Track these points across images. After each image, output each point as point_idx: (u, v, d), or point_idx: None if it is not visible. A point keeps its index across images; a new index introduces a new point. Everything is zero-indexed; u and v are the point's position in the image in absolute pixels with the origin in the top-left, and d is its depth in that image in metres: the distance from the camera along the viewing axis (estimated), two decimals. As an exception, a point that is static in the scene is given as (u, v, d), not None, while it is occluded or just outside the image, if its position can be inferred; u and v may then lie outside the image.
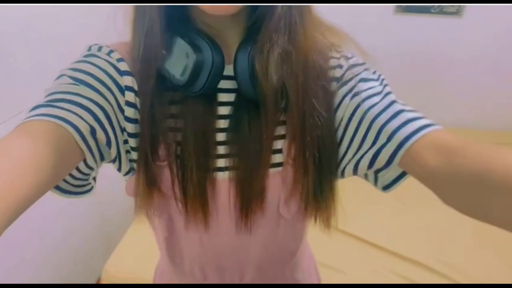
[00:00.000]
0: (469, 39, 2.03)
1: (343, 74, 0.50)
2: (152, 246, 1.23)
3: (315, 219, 0.55)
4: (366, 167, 0.48)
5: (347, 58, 0.51)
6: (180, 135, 0.48)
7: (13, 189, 0.33)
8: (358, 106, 0.47)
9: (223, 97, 0.50)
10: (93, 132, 0.43)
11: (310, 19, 0.46)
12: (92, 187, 0.53)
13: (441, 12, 1.97)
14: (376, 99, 0.47)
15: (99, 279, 1.82)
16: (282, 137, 0.50)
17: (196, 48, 0.44)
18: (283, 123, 0.50)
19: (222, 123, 0.50)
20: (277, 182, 0.52)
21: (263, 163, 0.50)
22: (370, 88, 0.48)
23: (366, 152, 0.47)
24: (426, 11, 1.97)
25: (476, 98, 2.18)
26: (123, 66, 0.47)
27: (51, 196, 0.45)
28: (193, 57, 0.44)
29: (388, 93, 0.47)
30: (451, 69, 2.13)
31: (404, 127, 0.43)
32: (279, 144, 0.51)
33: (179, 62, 0.45)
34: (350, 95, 0.48)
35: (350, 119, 0.48)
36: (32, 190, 0.35)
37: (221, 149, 0.50)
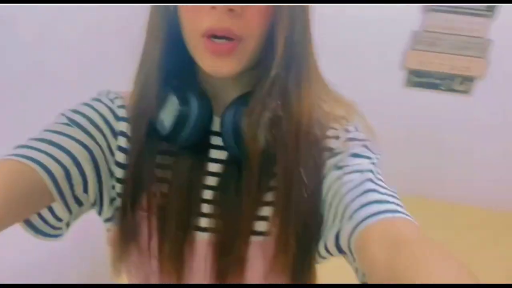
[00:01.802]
0: (477, 117, 2.05)
1: (337, 146, 0.48)
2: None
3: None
4: (333, 243, 0.44)
5: (348, 131, 0.49)
6: (166, 187, 0.48)
7: None
8: (338, 179, 0.45)
9: (215, 153, 0.49)
10: (67, 175, 0.43)
11: (309, 87, 0.45)
12: (62, 233, 0.49)
13: (450, 89, 2.02)
14: (356, 176, 0.44)
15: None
16: (270, 203, 0.48)
17: (183, 101, 0.45)
18: (273, 189, 0.48)
19: (210, 180, 0.49)
20: (259, 251, 0.49)
21: (243, 229, 0.48)
22: (356, 164, 0.45)
23: (333, 227, 0.44)
24: (435, 87, 2.03)
25: (484, 176, 2.16)
26: (122, 113, 0.48)
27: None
28: (178, 109, 0.45)
29: (369, 171, 0.45)
30: (460, 146, 2.13)
31: (363, 208, 0.41)
32: (266, 211, 0.48)
33: (168, 113, 0.46)
34: (335, 167, 0.46)
35: (328, 192, 0.46)
36: None
37: (205, 208, 0.49)
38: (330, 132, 0.49)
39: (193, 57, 0.45)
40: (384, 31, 1.93)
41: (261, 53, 0.45)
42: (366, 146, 0.48)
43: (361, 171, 0.45)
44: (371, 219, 0.39)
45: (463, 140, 2.12)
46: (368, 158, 0.47)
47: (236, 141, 0.45)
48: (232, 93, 0.48)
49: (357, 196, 0.42)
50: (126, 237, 0.49)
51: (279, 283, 0.51)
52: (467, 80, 1.97)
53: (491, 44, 1.89)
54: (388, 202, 0.41)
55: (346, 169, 0.45)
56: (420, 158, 2.15)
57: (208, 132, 0.49)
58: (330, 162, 0.47)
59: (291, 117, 0.44)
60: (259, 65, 0.46)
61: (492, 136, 2.08)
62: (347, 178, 0.44)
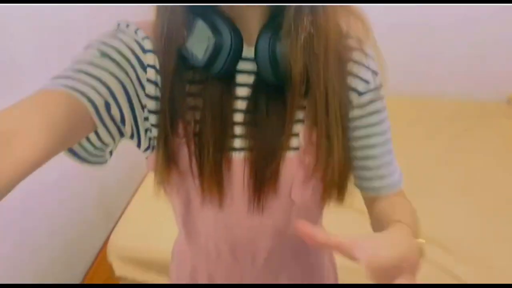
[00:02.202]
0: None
1: (365, 93, 0.53)
2: (156, 217, 1.29)
3: (331, 198, 0.56)
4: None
5: (374, 74, 0.54)
6: (199, 114, 0.50)
7: (25, 154, 0.36)
8: (366, 126, 0.55)
9: (241, 78, 0.51)
10: (107, 107, 0.45)
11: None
12: (106, 160, 0.54)
13: None
14: (379, 139, 0.56)
15: (100, 250, 1.87)
16: (299, 121, 0.52)
17: (216, 31, 0.46)
18: (303, 107, 0.51)
19: (240, 104, 0.51)
20: (292, 166, 0.53)
21: (281, 146, 0.51)
22: (379, 124, 0.56)
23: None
24: None
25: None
26: (147, 45, 0.48)
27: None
28: (213, 39, 0.46)
29: (387, 141, 0.57)
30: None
31: (376, 181, 0.58)
32: (295, 128, 0.52)
33: (200, 43, 0.46)
34: (362, 119, 0.55)
35: (354, 130, 0.55)
36: (47, 152, 0.38)
37: (238, 130, 0.52)
38: (353, 55, 0.53)
39: None
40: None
41: None
42: (382, 98, 0.56)
43: (384, 134, 0.56)
44: (384, 191, 0.59)
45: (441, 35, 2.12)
46: (384, 112, 0.56)
47: (272, 66, 0.47)
48: (254, 18, 0.50)
49: (378, 167, 0.58)
50: (167, 163, 0.52)
51: (312, 194, 0.56)
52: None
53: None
54: (395, 173, 0.59)
55: (373, 130, 0.56)
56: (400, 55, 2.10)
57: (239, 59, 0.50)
58: (358, 112, 0.54)
59: (320, 33, 0.46)
60: None
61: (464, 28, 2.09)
62: (372, 140, 0.56)
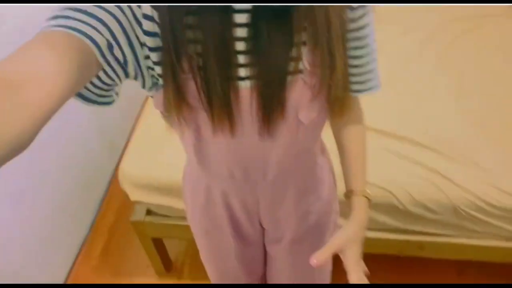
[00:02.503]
0: None
1: (357, 8, 0.54)
2: (162, 142, 1.33)
3: (336, 115, 0.62)
4: None
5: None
6: (200, 47, 0.50)
7: (40, 102, 0.35)
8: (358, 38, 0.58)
9: (239, 5, 0.50)
10: (110, 47, 0.44)
11: None
12: (113, 100, 0.55)
13: None
14: (366, 50, 0.59)
15: (112, 178, 1.97)
16: (301, 43, 0.52)
17: None
18: (304, 29, 0.52)
19: (240, 32, 0.51)
20: (298, 89, 0.55)
21: (286, 71, 0.53)
22: (368, 36, 0.58)
23: None
24: None
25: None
26: None
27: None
28: None
29: (374, 51, 0.61)
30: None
31: (361, 85, 0.63)
32: (298, 51, 0.53)
33: None
34: (354, 32, 0.57)
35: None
36: (61, 97, 0.37)
37: (241, 59, 0.52)
38: None
39: None
40: None
41: None
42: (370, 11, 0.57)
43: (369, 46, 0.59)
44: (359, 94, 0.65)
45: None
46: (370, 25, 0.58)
47: None
48: None
49: (361, 74, 0.62)
50: (177, 99, 0.53)
51: (318, 112, 0.60)
52: None
53: None
54: (375, 78, 0.64)
55: (365, 42, 0.58)
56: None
57: None
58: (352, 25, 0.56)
59: None
60: None
61: None
62: (365, 42, 0.58)
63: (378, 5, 0.60)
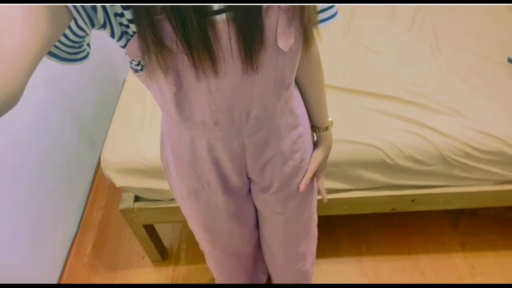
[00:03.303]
0: None
1: None
2: (137, 128, 1.30)
3: (306, 41, 0.63)
4: None
5: None
6: None
7: (25, 43, 0.35)
8: None
9: None
10: None
11: None
12: (88, 53, 0.54)
13: None
14: None
15: (96, 170, 1.92)
16: None
17: None
18: None
19: None
20: (273, 16, 0.55)
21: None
22: None
23: None
24: None
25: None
26: None
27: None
28: None
29: None
30: None
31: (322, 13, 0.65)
32: None
33: None
34: None
35: None
36: (38, 44, 0.37)
37: None
38: None
39: None
40: None
41: None
42: None
43: None
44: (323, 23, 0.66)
45: None
46: None
47: None
48: None
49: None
50: (154, 42, 0.51)
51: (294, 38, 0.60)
52: None
53: None
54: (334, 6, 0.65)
55: None
56: None
57: None
58: None
59: None
60: None
61: None
62: None
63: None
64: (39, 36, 0.37)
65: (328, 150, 0.91)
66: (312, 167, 0.87)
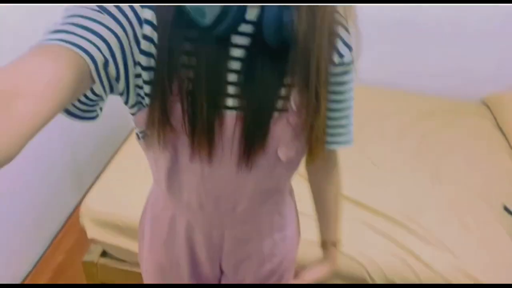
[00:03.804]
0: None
1: (338, 65, 0.58)
2: (130, 184, 1.28)
3: (310, 156, 0.62)
4: None
5: (350, 49, 0.58)
6: (192, 72, 0.50)
7: (32, 116, 0.35)
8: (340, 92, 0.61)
9: (237, 39, 0.52)
10: (106, 64, 0.45)
11: None
12: (98, 115, 0.55)
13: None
14: (342, 105, 0.63)
15: (72, 213, 1.84)
16: (290, 85, 0.54)
17: None
18: (296, 72, 0.53)
19: (234, 65, 0.52)
20: (280, 126, 0.56)
21: (272, 107, 0.54)
22: (344, 93, 0.62)
23: None
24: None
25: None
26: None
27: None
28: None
29: (347, 108, 0.64)
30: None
31: (335, 137, 0.65)
32: (284, 91, 0.54)
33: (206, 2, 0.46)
34: (339, 87, 0.61)
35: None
36: (52, 113, 0.37)
37: (231, 89, 0.53)
38: (338, 29, 0.56)
39: None
40: None
41: None
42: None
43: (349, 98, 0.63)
44: (333, 146, 0.66)
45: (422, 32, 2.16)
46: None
47: (277, 30, 0.49)
48: None
49: (336, 126, 0.64)
50: (162, 119, 0.52)
51: (296, 151, 0.61)
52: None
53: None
54: (349, 133, 0.66)
55: (346, 87, 0.61)
56: (382, 47, 2.12)
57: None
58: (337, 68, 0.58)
59: (320, 5, 0.49)
60: None
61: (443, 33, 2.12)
62: (344, 97, 0.62)
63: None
64: (56, 105, 0.37)
65: (329, 273, 0.83)
66: (308, 279, 0.81)
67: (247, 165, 0.58)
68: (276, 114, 0.55)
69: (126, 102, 0.55)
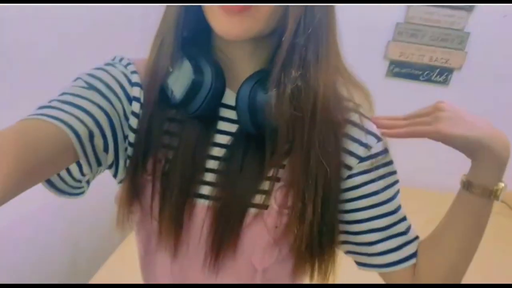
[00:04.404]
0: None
1: (367, 157, 0.50)
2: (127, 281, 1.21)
3: (311, 273, 0.52)
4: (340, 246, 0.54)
5: (377, 139, 0.51)
6: (172, 153, 0.49)
7: (4, 181, 0.35)
8: (371, 193, 0.51)
9: (223, 125, 0.50)
10: (91, 136, 0.44)
11: (327, 61, 0.45)
12: (84, 191, 0.53)
13: (430, 80, 2.07)
14: (386, 208, 0.51)
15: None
16: (275, 179, 0.49)
17: (198, 70, 0.45)
18: (282, 166, 0.48)
19: (216, 151, 0.50)
20: (257, 226, 0.49)
21: (249, 201, 0.48)
22: (384, 190, 0.51)
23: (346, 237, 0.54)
24: (415, 78, 2.08)
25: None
26: (135, 78, 0.49)
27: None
28: (192, 78, 0.45)
29: (397, 193, 0.52)
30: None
31: (383, 256, 0.52)
32: (269, 186, 0.49)
33: (181, 81, 0.46)
34: (370, 184, 0.50)
35: (354, 195, 0.51)
36: (10, 189, 0.36)
37: (208, 176, 0.50)
38: (351, 117, 0.50)
39: (208, 22, 0.44)
40: (367, 22, 1.96)
41: (278, 23, 0.44)
42: (389, 163, 0.52)
43: (391, 201, 0.51)
44: (394, 267, 0.52)
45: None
46: (393, 182, 0.52)
47: (251, 115, 0.45)
48: (246, 66, 0.49)
49: (384, 239, 0.52)
50: (130, 197, 0.50)
51: (277, 260, 0.52)
52: (446, 71, 2.03)
53: (469, 36, 1.95)
54: (408, 243, 0.53)
55: (380, 197, 0.51)
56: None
57: (219, 104, 0.49)
58: (363, 177, 0.50)
59: (310, 90, 0.44)
60: (276, 36, 0.46)
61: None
62: (377, 199, 0.50)
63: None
64: (25, 178, 0.37)
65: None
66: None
67: (214, 267, 0.51)
68: (252, 210, 0.48)
69: (114, 175, 0.54)
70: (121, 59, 0.51)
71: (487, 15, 1.90)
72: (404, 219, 0.52)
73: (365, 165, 0.50)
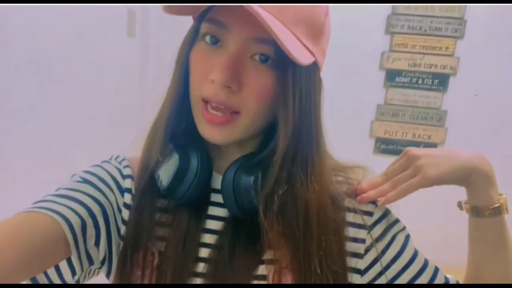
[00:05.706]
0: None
1: (374, 224, 0.51)
2: None
3: None
4: None
5: (374, 204, 0.52)
6: (163, 245, 0.49)
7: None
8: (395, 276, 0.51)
9: (215, 211, 0.50)
10: (83, 226, 0.45)
11: (320, 165, 0.47)
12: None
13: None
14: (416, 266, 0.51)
15: None
16: (272, 261, 0.48)
17: (184, 158, 0.47)
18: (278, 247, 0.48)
19: (208, 238, 0.50)
20: None
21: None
22: (401, 255, 0.51)
23: None
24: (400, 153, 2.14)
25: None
26: (127, 171, 0.52)
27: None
28: (177, 165, 0.46)
29: (419, 273, 0.51)
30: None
31: None
32: (260, 269, 0.48)
33: (169, 169, 0.47)
34: (390, 249, 0.51)
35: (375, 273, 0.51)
36: (12, 269, 0.38)
37: (200, 267, 0.49)
38: (348, 203, 0.52)
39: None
40: (350, 103, 2.10)
41: (266, 122, 0.47)
42: (403, 230, 0.53)
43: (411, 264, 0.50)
44: None
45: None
46: (406, 246, 0.52)
47: (237, 199, 0.46)
48: (235, 153, 0.50)
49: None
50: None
51: None
52: (430, 146, 2.12)
53: (446, 114, 2.08)
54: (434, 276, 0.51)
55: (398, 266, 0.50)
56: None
57: (208, 189, 0.50)
58: (378, 247, 0.50)
59: (299, 202, 0.46)
60: (264, 132, 0.48)
61: (449, 195, 2.14)
62: (396, 267, 0.50)
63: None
64: (19, 270, 0.39)
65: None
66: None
67: None
68: None
69: (107, 274, 0.52)
70: (117, 157, 0.54)
71: (461, 95, 2.05)
72: (432, 267, 0.52)
73: (375, 232, 0.51)
